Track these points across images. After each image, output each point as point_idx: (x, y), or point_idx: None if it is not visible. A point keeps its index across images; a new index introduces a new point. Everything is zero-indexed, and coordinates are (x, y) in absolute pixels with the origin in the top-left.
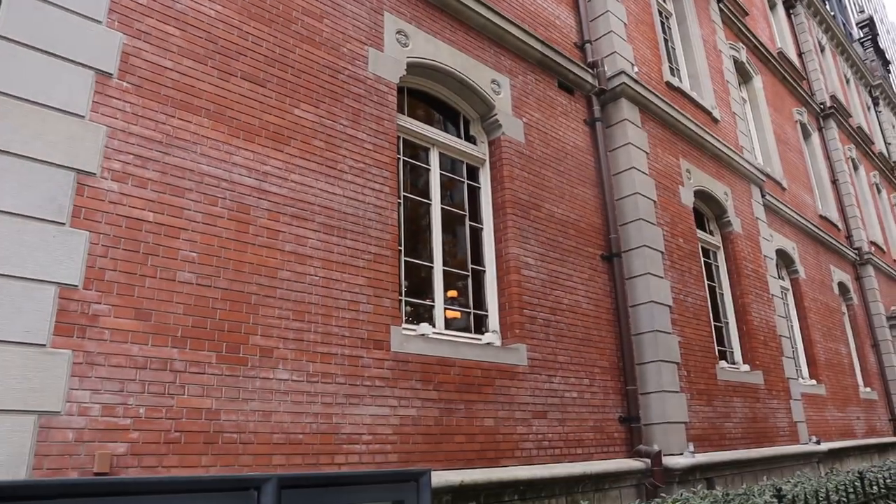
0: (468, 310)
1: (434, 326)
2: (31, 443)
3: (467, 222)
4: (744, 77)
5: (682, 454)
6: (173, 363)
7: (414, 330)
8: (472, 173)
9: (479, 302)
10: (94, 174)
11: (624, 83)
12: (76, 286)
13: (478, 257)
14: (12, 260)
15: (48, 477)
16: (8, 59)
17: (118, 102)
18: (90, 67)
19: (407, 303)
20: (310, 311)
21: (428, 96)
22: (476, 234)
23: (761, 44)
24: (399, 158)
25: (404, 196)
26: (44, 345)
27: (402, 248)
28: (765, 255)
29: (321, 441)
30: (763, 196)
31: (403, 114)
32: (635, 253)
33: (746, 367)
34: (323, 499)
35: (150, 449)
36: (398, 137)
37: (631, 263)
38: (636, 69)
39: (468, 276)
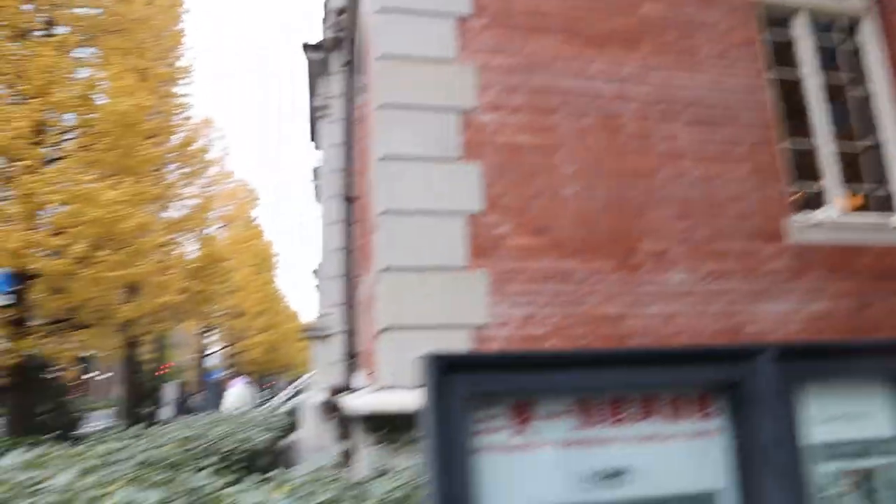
0: (872, 187)
1: (832, 212)
2: None
3: (849, 92)
4: None
5: None
6: (575, 274)
7: (810, 218)
8: (850, 31)
9: (879, 180)
10: (473, 110)
11: None
12: (479, 213)
13: (868, 129)
14: (425, 198)
15: None
16: (388, 25)
17: (478, 41)
18: (450, 15)
19: (797, 190)
20: (694, 209)
21: None
22: (862, 104)
23: None
24: (760, 33)
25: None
26: (464, 266)
27: (781, 132)
28: None
29: (727, 340)
30: None
31: None
32: None
33: None
34: (822, 368)
35: None
36: (755, 9)
37: None
38: None
39: (863, 152)
